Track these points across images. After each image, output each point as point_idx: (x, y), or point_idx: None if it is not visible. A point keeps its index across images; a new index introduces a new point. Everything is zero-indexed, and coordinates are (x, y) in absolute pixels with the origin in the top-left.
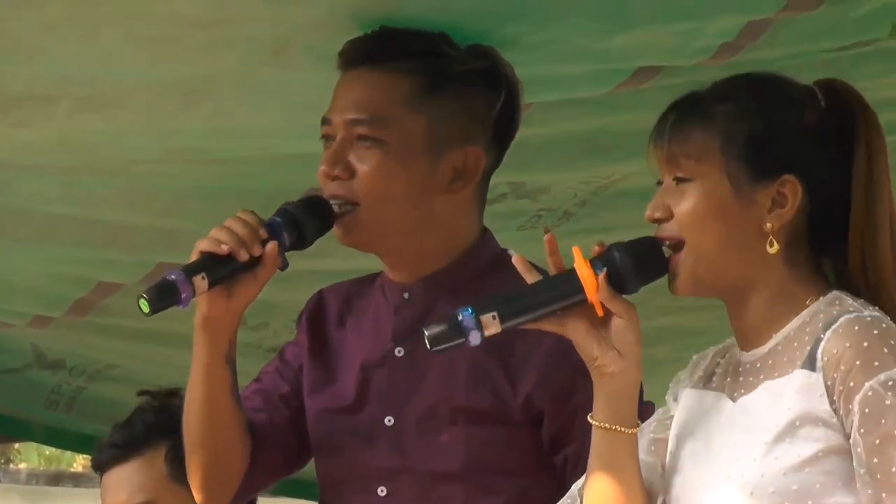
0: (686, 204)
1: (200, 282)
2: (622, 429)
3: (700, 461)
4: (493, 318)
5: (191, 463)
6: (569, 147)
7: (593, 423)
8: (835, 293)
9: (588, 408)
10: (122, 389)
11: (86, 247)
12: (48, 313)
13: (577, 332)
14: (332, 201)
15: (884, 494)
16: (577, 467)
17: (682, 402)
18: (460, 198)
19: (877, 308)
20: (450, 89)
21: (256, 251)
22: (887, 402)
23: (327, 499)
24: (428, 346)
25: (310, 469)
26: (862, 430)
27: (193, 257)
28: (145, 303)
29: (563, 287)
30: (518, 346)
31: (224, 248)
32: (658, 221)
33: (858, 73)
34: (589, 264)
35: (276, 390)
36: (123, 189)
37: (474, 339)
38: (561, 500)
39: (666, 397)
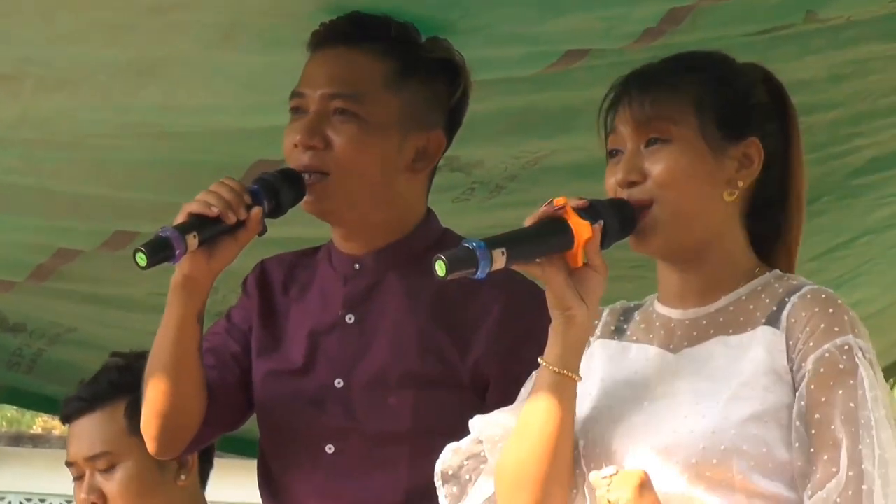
0: (663, 164)
1: (192, 240)
2: (571, 374)
3: (635, 407)
4: (502, 253)
5: (149, 413)
6: (501, 123)
7: (545, 364)
8: (777, 270)
9: (529, 374)
10: (80, 352)
11: (45, 216)
12: (10, 278)
13: (555, 280)
14: (304, 173)
15: (812, 450)
16: None
17: (599, 352)
18: (418, 178)
19: None
20: (419, 76)
21: (242, 215)
22: (840, 367)
23: (270, 456)
24: (442, 271)
25: (251, 427)
26: (812, 386)
27: (180, 219)
28: (143, 256)
29: (558, 237)
30: (467, 314)
31: (214, 211)
32: (633, 184)
33: (774, 55)
34: (579, 217)
35: (227, 349)
36: (81, 161)
37: (483, 270)
38: (489, 430)
39: None
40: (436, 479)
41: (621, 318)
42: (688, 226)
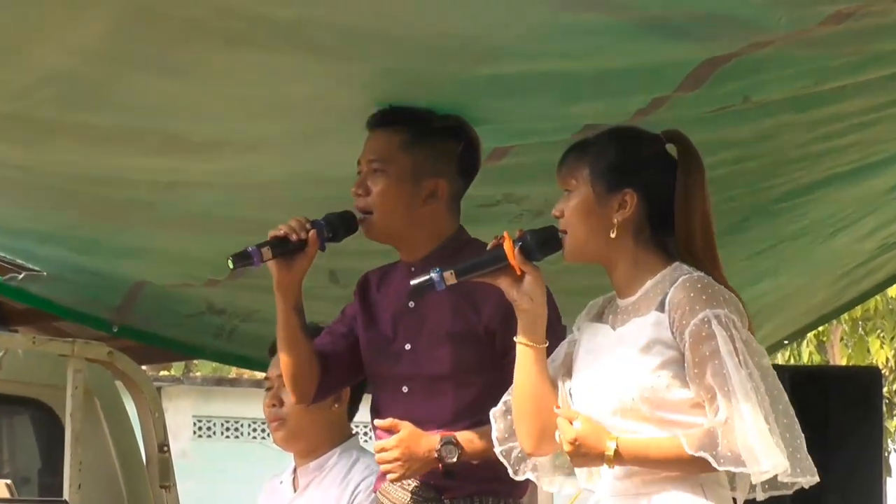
0: (569, 208)
1: (266, 252)
2: (532, 344)
3: (591, 367)
4: (451, 273)
5: (283, 373)
6: (540, 172)
7: (516, 341)
8: (676, 264)
9: None
10: (263, 327)
11: (240, 235)
12: (216, 277)
13: (504, 283)
14: (358, 212)
15: (700, 392)
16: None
17: (583, 331)
18: (434, 209)
19: (702, 272)
20: (426, 141)
21: (303, 236)
22: (703, 334)
23: (375, 392)
24: (412, 290)
25: None
26: (688, 353)
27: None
28: (231, 261)
29: (496, 256)
30: (479, 292)
31: (281, 232)
32: (558, 218)
33: (719, 123)
34: (511, 241)
35: (338, 331)
36: (264, 198)
37: (440, 286)
38: (509, 390)
39: (573, 327)
40: (490, 419)
41: (605, 305)
42: (584, 248)
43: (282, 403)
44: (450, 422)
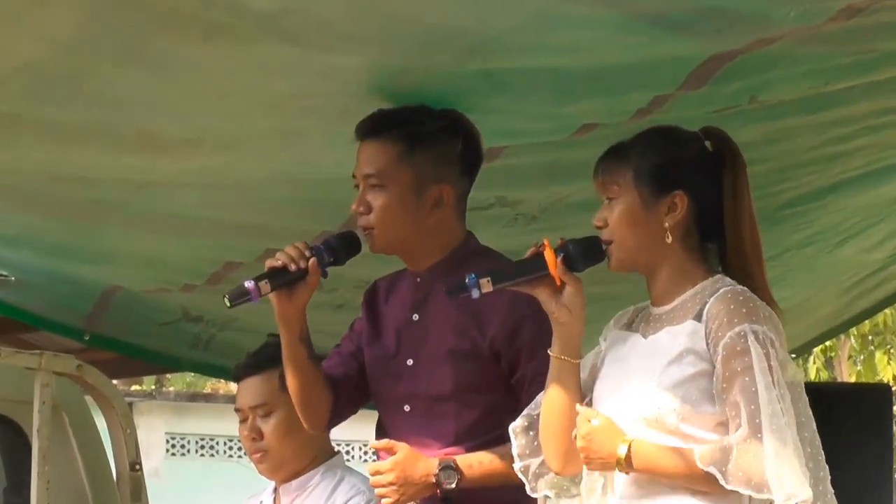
0: (614, 216)
1: (265, 286)
2: (568, 359)
3: (618, 375)
4: (488, 281)
5: (294, 403)
6: (536, 173)
7: (551, 355)
8: (719, 275)
9: (529, 347)
10: (241, 336)
11: (217, 237)
12: (192, 282)
13: (542, 294)
14: (361, 229)
15: (726, 409)
16: (525, 384)
17: (610, 340)
18: (441, 217)
19: (748, 283)
20: (424, 147)
21: (303, 265)
22: (738, 348)
23: (380, 411)
24: (447, 294)
25: None
26: (719, 365)
27: (265, 271)
28: (228, 300)
29: (535, 265)
30: (484, 308)
31: (279, 263)
32: (600, 228)
33: (724, 125)
34: (552, 251)
35: (348, 350)
36: (242, 199)
37: (475, 293)
38: (530, 405)
39: (599, 338)
40: (510, 434)
41: (635, 315)
42: (633, 257)
43: (261, 436)
44: (451, 444)
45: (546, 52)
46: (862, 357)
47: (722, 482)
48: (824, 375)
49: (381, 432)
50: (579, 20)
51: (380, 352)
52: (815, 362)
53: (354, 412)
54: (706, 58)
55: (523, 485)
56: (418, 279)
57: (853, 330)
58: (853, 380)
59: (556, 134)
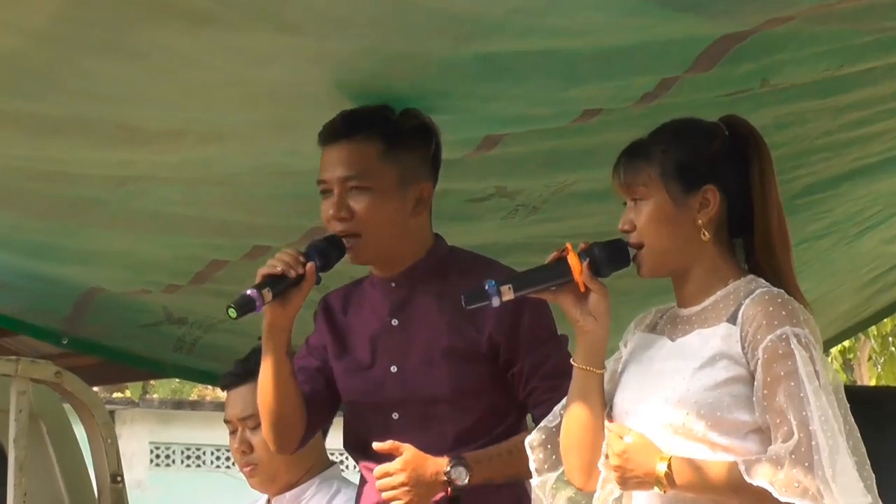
0: (642, 216)
1: (267, 294)
2: (593, 369)
3: (642, 380)
4: (509, 288)
5: (266, 426)
6: (537, 162)
7: (574, 364)
8: (751, 276)
9: (527, 339)
10: (228, 338)
11: (202, 236)
12: (176, 282)
13: (566, 301)
14: (342, 237)
15: (767, 416)
16: (522, 379)
17: (631, 344)
18: (422, 217)
19: (778, 281)
20: (404, 145)
21: (300, 270)
22: (780, 352)
23: (354, 424)
24: (464, 303)
25: None
26: (761, 370)
27: (257, 280)
28: (233, 311)
29: (558, 270)
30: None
31: (278, 269)
32: (627, 231)
33: (734, 109)
34: (577, 255)
35: (312, 366)
36: (228, 194)
37: (496, 302)
38: (547, 416)
39: (619, 343)
40: (527, 448)
41: (659, 316)
42: (666, 260)
43: (251, 448)
44: (450, 448)
45: (549, 34)
46: (882, 359)
47: (776, 495)
48: (843, 379)
49: (362, 446)
50: (585, 1)
51: (352, 364)
52: (833, 364)
53: (321, 429)
54: (715, 39)
55: (525, 484)
56: (393, 284)
57: (873, 330)
58: (873, 383)
59: (557, 120)
